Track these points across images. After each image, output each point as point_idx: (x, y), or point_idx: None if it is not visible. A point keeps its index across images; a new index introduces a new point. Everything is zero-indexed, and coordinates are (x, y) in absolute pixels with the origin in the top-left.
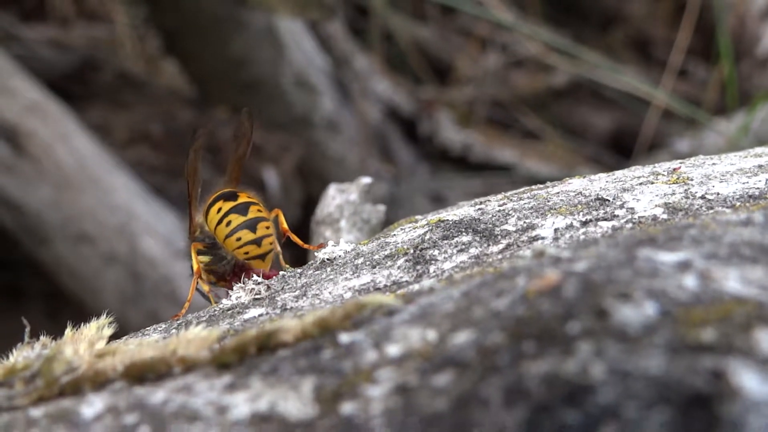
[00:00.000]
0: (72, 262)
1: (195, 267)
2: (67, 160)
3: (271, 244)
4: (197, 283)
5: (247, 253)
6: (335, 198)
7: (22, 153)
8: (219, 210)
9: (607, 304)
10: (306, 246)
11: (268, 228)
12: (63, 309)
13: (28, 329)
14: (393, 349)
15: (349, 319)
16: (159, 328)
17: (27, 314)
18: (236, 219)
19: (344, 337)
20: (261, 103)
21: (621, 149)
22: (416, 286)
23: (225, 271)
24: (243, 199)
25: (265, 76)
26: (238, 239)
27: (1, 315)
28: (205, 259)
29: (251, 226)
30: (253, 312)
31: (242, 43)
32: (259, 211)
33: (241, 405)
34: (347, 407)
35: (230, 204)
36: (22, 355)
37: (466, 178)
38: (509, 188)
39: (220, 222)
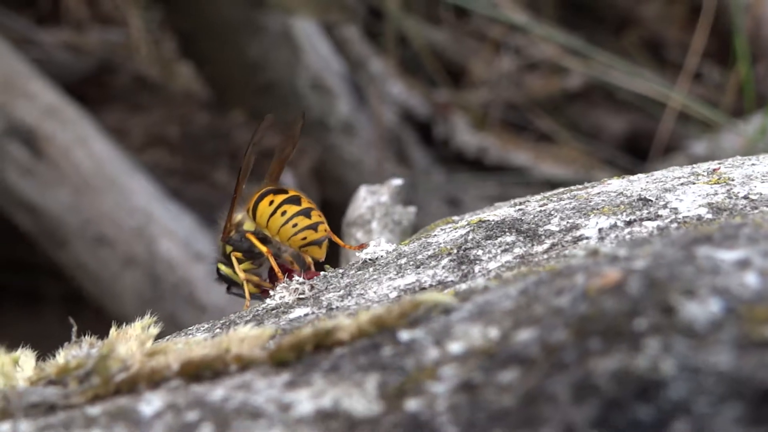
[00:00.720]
0: (90, 265)
1: (241, 276)
2: (86, 163)
3: (325, 230)
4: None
5: (304, 238)
6: (366, 199)
7: (41, 156)
8: (271, 202)
9: (674, 300)
10: (348, 246)
11: (320, 216)
12: (81, 312)
13: (75, 329)
14: (455, 347)
15: (405, 317)
16: (202, 328)
17: (44, 317)
18: (291, 208)
19: (404, 335)
20: (277, 106)
21: (635, 152)
22: (464, 285)
23: (259, 272)
24: (293, 193)
25: (281, 80)
26: (295, 225)
27: (19, 318)
28: (239, 262)
29: (306, 213)
30: (299, 312)
31: (259, 46)
32: (309, 202)
33: (304, 402)
34: (412, 404)
35: (282, 196)
36: (71, 354)
37: (481, 181)
38: (525, 191)
39: (274, 213)
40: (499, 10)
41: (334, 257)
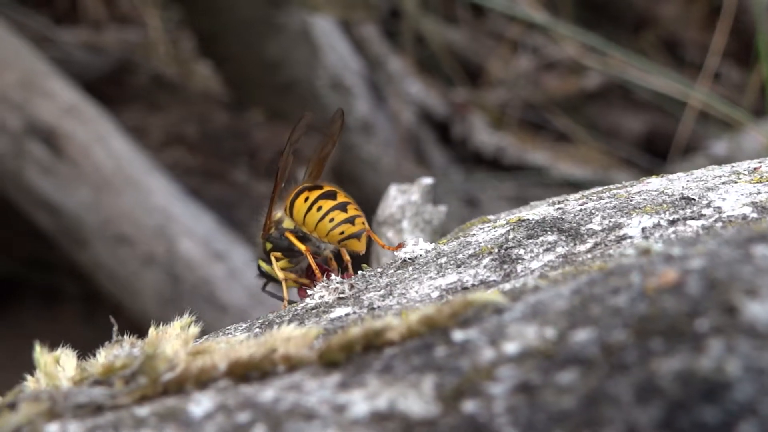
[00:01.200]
0: (110, 264)
1: (279, 275)
2: (105, 162)
3: (363, 223)
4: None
5: (342, 233)
6: (396, 199)
7: (61, 155)
8: (306, 199)
9: (736, 300)
10: (386, 246)
11: (357, 209)
12: (99, 311)
13: (116, 328)
14: (510, 347)
15: (456, 317)
16: (240, 327)
17: (64, 316)
18: (327, 203)
19: (458, 335)
20: (296, 106)
21: (653, 152)
22: (507, 285)
23: (298, 270)
24: (328, 188)
25: (300, 79)
26: (332, 220)
27: (38, 316)
28: (279, 260)
29: (342, 207)
30: (340, 311)
31: (278, 45)
32: (345, 197)
33: (359, 403)
34: (469, 405)
35: (318, 192)
36: (112, 354)
37: (499, 181)
38: (543, 191)
39: (310, 209)
40: (518, 7)
41: (364, 257)
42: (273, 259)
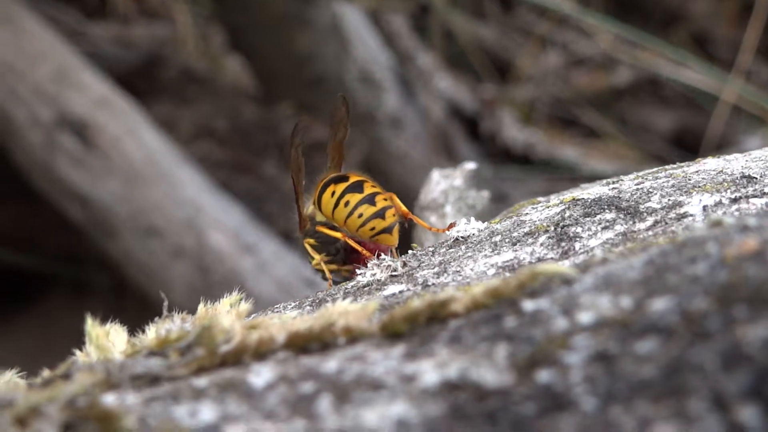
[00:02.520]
0: (140, 256)
1: (315, 260)
2: (136, 154)
3: (393, 215)
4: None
5: (373, 228)
6: (439, 183)
7: (92, 147)
8: (333, 193)
9: None
10: (431, 228)
11: (386, 200)
12: (126, 303)
13: (166, 303)
14: (584, 317)
15: (523, 288)
16: (290, 306)
17: (92, 308)
18: (354, 197)
19: (528, 305)
20: (325, 99)
21: (684, 148)
22: (566, 262)
23: (341, 261)
24: (355, 178)
25: (329, 73)
26: (360, 215)
27: (66, 308)
28: (319, 256)
29: (370, 200)
30: (393, 288)
31: (307, 39)
32: (373, 186)
33: (428, 373)
34: (544, 375)
35: (343, 185)
36: (164, 329)
37: (529, 177)
38: (573, 186)
39: (337, 204)
40: (548, 1)
41: (403, 242)
42: (308, 247)
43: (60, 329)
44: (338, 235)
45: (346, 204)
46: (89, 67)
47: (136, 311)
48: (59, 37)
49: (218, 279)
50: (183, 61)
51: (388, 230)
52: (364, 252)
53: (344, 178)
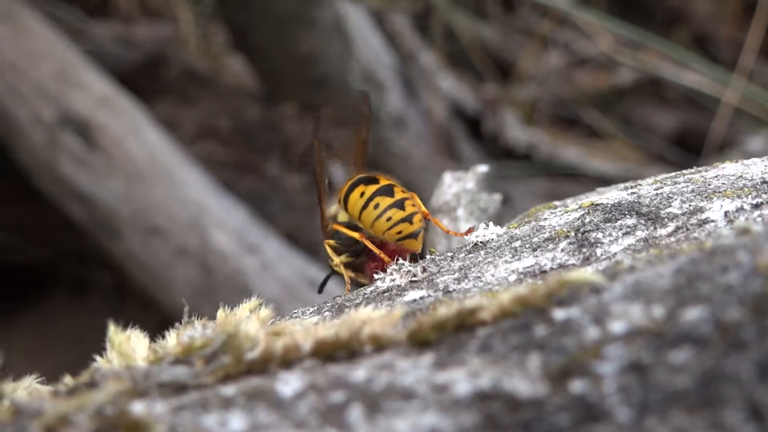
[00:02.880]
0: (143, 256)
1: (335, 261)
2: (139, 154)
3: (420, 221)
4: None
5: (399, 232)
6: (452, 186)
7: (95, 146)
8: (362, 194)
9: None
10: (451, 232)
11: (414, 206)
12: (128, 302)
13: (186, 308)
14: (616, 326)
15: (552, 296)
16: (308, 311)
17: (94, 307)
18: (384, 200)
19: (559, 314)
20: (328, 99)
21: (686, 149)
22: (589, 268)
23: (360, 264)
24: (385, 181)
25: (332, 72)
26: (389, 219)
27: (68, 307)
28: (341, 258)
29: (399, 205)
30: (413, 294)
31: (310, 39)
32: (402, 192)
33: (460, 382)
34: (577, 385)
35: (374, 187)
36: (186, 335)
37: (532, 177)
38: (576, 187)
39: (366, 206)
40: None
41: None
42: (329, 249)
43: (62, 328)
44: (356, 235)
45: (376, 206)
46: (91, 66)
47: (138, 311)
48: (61, 36)
49: (221, 279)
50: (185, 61)
51: (414, 235)
52: (382, 255)
53: (374, 180)
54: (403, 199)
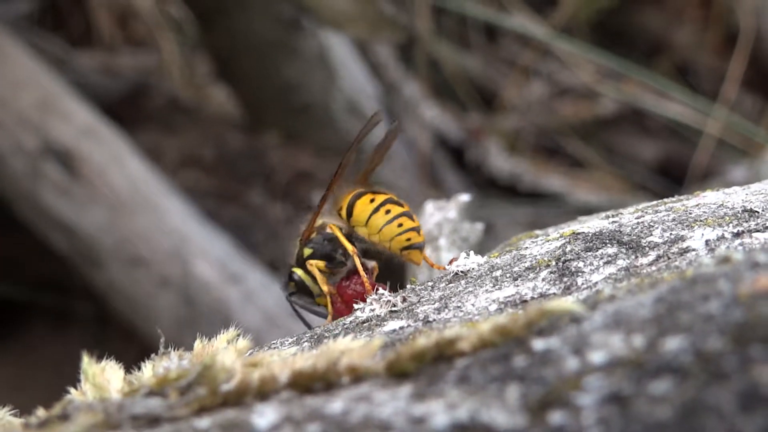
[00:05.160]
0: (125, 286)
1: (324, 289)
2: (121, 184)
3: (423, 236)
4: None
5: (408, 239)
6: (433, 215)
7: (77, 176)
8: (372, 200)
9: None
10: (435, 266)
11: (419, 223)
12: (110, 333)
13: (163, 339)
14: (596, 356)
15: (532, 326)
16: (287, 342)
17: (73, 338)
18: (395, 208)
19: (538, 344)
20: (312, 129)
21: (669, 179)
22: (570, 298)
23: (336, 275)
24: (392, 195)
25: (315, 102)
26: (400, 225)
27: (48, 337)
28: (327, 287)
29: (409, 215)
30: (393, 324)
31: (294, 68)
32: (408, 207)
33: (438, 414)
34: (556, 416)
35: (384, 195)
36: (161, 366)
37: (515, 207)
38: (559, 217)
39: (376, 210)
40: (534, 30)
41: (398, 273)
42: (315, 270)
43: (42, 359)
44: (350, 247)
45: (387, 212)
46: (74, 96)
47: (120, 342)
48: (44, 66)
49: (204, 309)
50: (169, 90)
51: (419, 246)
52: (364, 279)
53: (382, 192)
54: (411, 212)
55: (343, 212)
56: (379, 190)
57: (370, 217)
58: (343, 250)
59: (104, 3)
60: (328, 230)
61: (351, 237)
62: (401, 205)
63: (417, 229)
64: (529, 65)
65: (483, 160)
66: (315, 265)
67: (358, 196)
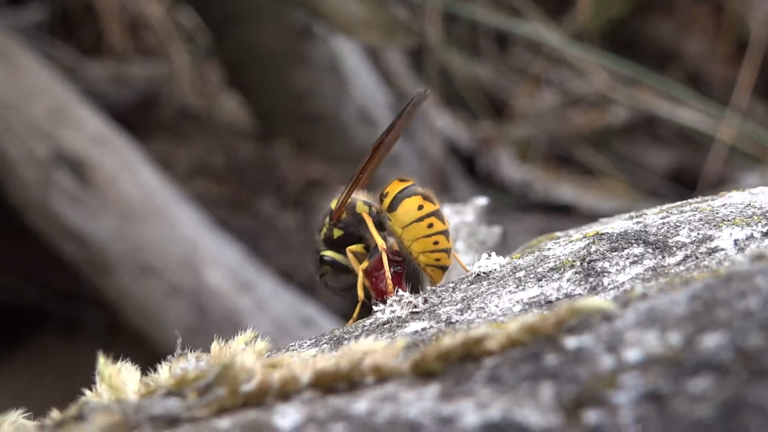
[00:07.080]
0: (136, 294)
1: (356, 268)
2: (132, 192)
3: (450, 259)
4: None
5: (438, 260)
6: (451, 219)
7: (88, 184)
8: (421, 207)
9: None
10: (464, 266)
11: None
12: (121, 342)
13: (180, 340)
14: (631, 354)
15: (562, 325)
16: (306, 343)
17: (83, 347)
18: (438, 224)
19: (571, 342)
20: (323, 137)
21: (682, 187)
22: (597, 298)
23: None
24: (438, 205)
25: (327, 110)
26: (436, 243)
27: (58, 347)
28: (336, 256)
29: (447, 234)
30: (415, 326)
31: (305, 77)
32: (447, 224)
33: (468, 414)
34: (592, 416)
35: (432, 206)
36: (179, 367)
37: (526, 215)
38: (571, 225)
39: (420, 220)
40: (548, 37)
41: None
42: (351, 255)
43: (52, 368)
44: (381, 242)
45: (430, 225)
46: (85, 105)
47: (130, 351)
48: (55, 74)
49: (215, 318)
50: (180, 99)
51: (444, 268)
52: (388, 278)
53: (430, 199)
54: (449, 231)
55: (386, 201)
56: (429, 195)
57: (411, 224)
58: (373, 241)
59: (115, 12)
60: (358, 211)
61: (381, 223)
62: (443, 222)
63: (448, 251)
64: (540, 74)
65: (494, 168)
66: (353, 250)
67: (409, 194)
